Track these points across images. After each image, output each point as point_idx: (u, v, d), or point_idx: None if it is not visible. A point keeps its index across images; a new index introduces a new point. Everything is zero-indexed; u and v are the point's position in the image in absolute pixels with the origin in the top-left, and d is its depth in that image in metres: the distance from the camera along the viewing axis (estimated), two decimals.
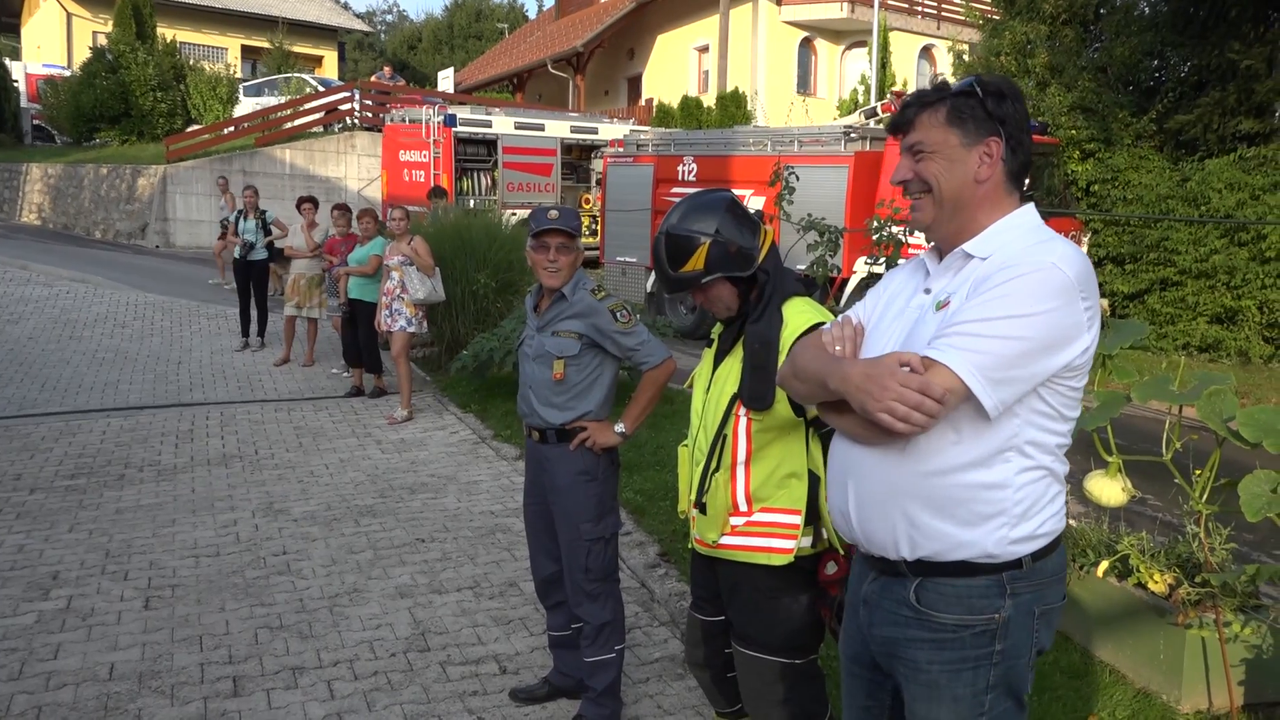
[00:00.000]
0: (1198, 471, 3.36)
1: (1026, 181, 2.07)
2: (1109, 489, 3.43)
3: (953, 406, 1.80)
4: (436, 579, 4.94)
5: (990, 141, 1.95)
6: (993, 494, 1.88)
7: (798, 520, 2.69)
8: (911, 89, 24.22)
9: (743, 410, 2.71)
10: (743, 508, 2.75)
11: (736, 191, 3.10)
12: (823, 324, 2.55)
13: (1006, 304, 1.80)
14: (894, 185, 2.12)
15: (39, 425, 7.73)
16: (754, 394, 2.64)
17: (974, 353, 1.79)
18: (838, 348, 2.04)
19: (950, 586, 1.93)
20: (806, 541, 2.71)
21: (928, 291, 2.00)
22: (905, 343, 1.95)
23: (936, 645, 1.95)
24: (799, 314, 2.70)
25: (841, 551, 2.69)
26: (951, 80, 2.11)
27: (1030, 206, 2.03)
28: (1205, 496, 3.33)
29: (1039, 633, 1.98)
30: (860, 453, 1.98)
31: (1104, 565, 3.86)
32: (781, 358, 2.52)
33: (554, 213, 3.48)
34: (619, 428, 3.48)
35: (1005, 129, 1.95)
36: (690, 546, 2.98)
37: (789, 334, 2.64)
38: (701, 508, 2.81)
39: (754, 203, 11.20)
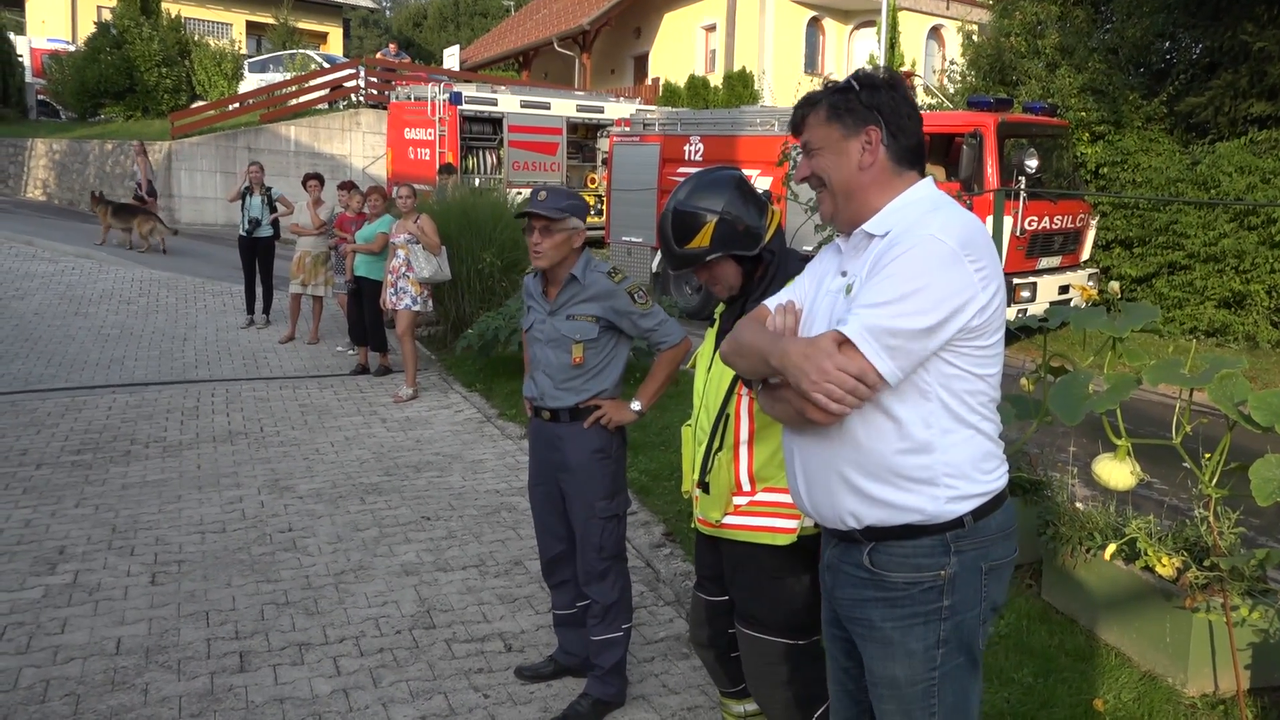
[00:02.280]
0: (1207, 455, 3.34)
1: (924, 159, 2.15)
2: (1117, 472, 3.41)
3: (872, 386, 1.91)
4: (442, 557, 4.95)
5: (868, 130, 2.05)
6: (922, 459, 1.97)
7: None
8: (920, 70, 24.11)
9: (745, 389, 2.70)
10: (745, 487, 2.74)
11: (744, 172, 3.07)
12: None
13: (893, 284, 1.89)
14: (797, 183, 2.27)
15: (45, 401, 7.74)
16: None
17: (871, 334, 1.87)
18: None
19: (899, 548, 2.02)
20: (810, 522, 2.69)
21: (844, 274, 2.11)
22: (830, 324, 2.05)
23: (888, 604, 2.05)
24: None
25: None
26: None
27: (927, 180, 2.11)
28: (1215, 480, 3.32)
29: (988, 588, 2.07)
30: (803, 433, 2.09)
31: (1111, 548, 3.85)
32: None
33: (542, 194, 3.41)
34: (635, 405, 3.48)
35: (883, 116, 2.05)
36: (694, 526, 2.98)
37: None
38: (705, 487, 2.80)
39: (761, 183, 11.14)
